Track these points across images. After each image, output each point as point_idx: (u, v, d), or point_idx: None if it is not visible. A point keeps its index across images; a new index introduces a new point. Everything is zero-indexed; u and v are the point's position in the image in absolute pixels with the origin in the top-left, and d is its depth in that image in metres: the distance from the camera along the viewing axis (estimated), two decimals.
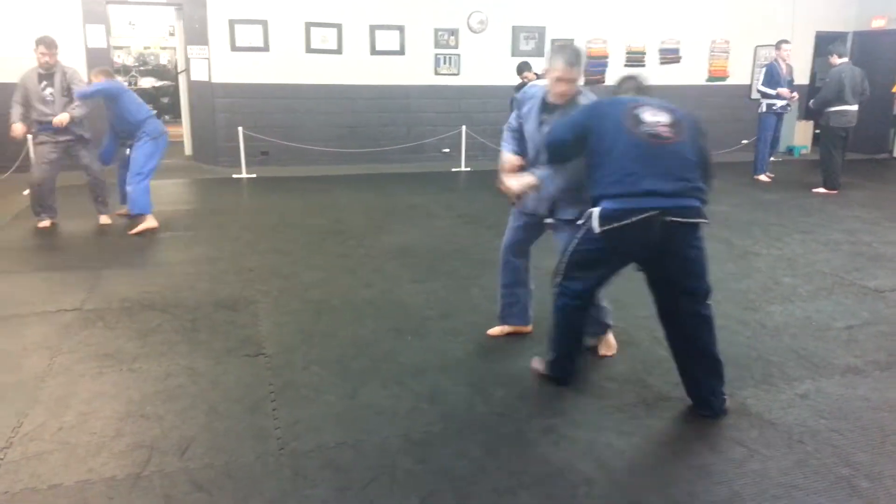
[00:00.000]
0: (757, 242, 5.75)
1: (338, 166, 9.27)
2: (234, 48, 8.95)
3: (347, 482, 2.46)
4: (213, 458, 2.59)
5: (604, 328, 3.54)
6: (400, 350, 3.59)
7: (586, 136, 2.90)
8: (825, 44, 9.62)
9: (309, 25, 9.17)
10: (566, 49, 3.18)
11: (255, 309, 4.14)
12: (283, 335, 3.77)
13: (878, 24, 10.82)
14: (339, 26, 9.27)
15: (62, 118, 5.65)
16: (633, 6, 10.27)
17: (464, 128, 9.67)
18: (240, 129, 8.84)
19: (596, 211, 2.78)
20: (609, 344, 3.58)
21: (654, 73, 10.43)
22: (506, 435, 2.78)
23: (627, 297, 4.24)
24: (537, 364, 3.26)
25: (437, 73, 9.75)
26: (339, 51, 9.34)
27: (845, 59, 8.05)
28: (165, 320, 3.92)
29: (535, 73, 8.09)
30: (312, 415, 2.91)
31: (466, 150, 9.72)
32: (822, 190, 8.02)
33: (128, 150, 6.03)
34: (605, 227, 2.75)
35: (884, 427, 2.86)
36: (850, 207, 7.17)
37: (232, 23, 8.88)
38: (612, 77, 10.25)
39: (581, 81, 3.22)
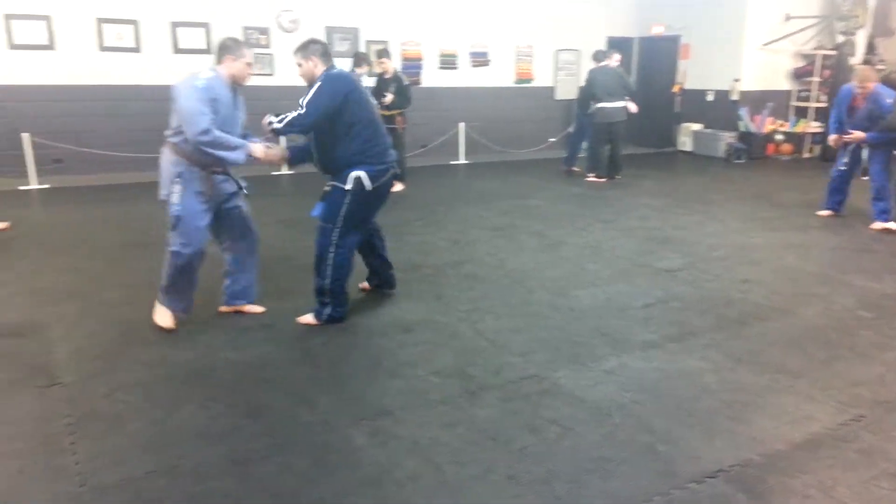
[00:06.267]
0: (566, 233, 6.16)
1: (141, 173, 8.53)
2: (12, 46, 8.05)
3: None
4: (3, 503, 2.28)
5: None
6: (217, 366, 3.39)
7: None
8: (615, 48, 10.52)
9: (101, 22, 8.43)
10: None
11: (47, 334, 3.72)
12: (81, 361, 3.41)
13: (657, 30, 12.07)
14: (135, 23, 8.62)
15: None
16: (443, 10, 10.56)
17: None
18: (24, 135, 7.92)
19: (363, 173, 3.69)
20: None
21: (467, 76, 10.90)
22: (332, 443, 2.72)
23: (449, 292, 4.37)
24: (308, 319, 3.89)
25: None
26: (137, 49, 8.69)
27: (604, 63, 8.91)
28: None
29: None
30: (118, 445, 2.66)
31: None
32: (592, 177, 8.98)
33: None
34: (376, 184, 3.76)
35: (676, 394, 3.17)
36: (642, 197, 7.91)
37: (8, 18, 7.98)
38: (427, 79, 10.51)
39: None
